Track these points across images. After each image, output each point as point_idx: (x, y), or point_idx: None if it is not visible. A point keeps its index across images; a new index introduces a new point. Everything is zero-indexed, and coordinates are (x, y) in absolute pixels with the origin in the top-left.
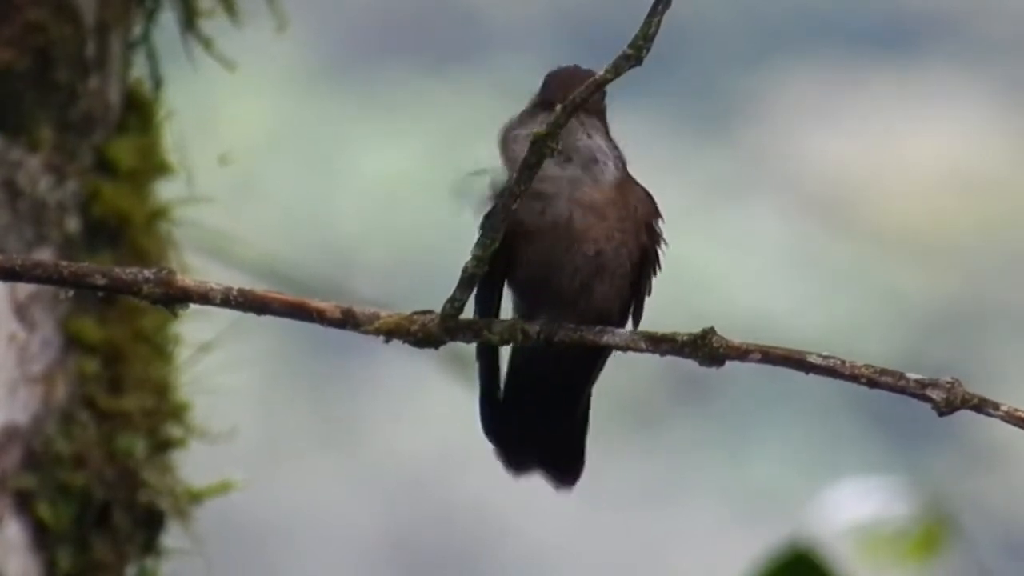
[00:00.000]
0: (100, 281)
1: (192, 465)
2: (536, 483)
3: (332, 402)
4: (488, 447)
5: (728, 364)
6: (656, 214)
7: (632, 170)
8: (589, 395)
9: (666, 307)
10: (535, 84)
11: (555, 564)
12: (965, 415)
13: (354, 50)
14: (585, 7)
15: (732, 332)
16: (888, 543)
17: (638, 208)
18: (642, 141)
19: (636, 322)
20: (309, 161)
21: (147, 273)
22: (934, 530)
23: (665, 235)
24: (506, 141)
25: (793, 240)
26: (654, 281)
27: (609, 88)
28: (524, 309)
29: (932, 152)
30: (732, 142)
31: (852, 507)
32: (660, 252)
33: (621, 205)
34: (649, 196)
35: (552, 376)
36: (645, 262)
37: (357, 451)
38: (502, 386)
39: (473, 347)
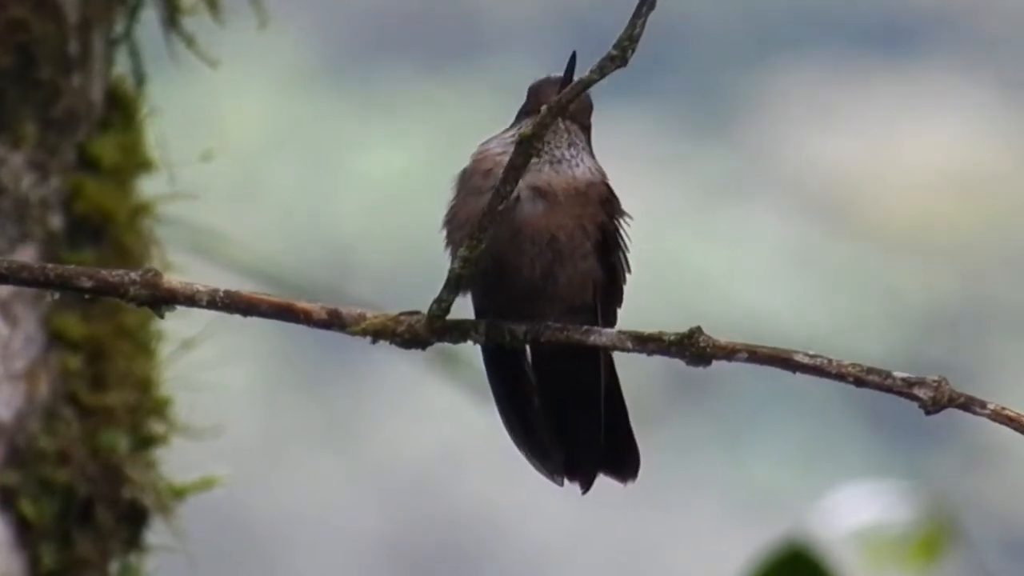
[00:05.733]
0: (86, 283)
1: (194, 463)
2: (536, 483)
3: (332, 401)
4: (493, 450)
5: (727, 363)
6: (610, 193)
7: (632, 169)
8: (616, 386)
9: (665, 306)
10: None
11: (555, 564)
12: (963, 414)
13: (354, 50)
14: (584, 7)
15: (731, 331)
16: (890, 546)
17: (590, 192)
18: (642, 141)
19: (612, 300)
20: (309, 161)
21: (133, 275)
22: (936, 533)
23: (625, 211)
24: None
25: (792, 240)
26: (629, 257)
27: (610, 88)
28: (489, 308)
29: (932, 152)
30: (731, 142)
31: (854, 511)
32: (621, 227)
33: (581, 196)
34: (604, 182)
35: (560, 376)
36: (608, 239)
37: (357, 450)
38: (511, 393)
39: (472, 346)
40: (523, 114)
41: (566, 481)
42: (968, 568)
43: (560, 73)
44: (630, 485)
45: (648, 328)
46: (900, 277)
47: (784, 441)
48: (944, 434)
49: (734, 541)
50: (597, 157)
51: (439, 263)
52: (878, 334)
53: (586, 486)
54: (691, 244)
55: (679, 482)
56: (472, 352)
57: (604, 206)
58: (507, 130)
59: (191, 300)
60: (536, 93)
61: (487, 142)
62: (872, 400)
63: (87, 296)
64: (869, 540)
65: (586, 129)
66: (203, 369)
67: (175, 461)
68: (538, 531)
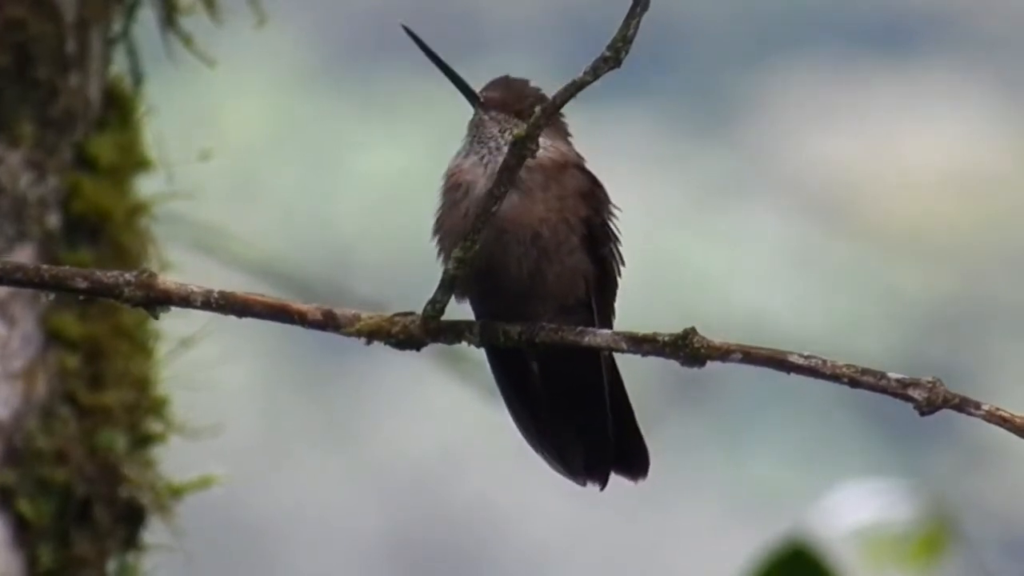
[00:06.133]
0: (81, 284)
1: (193, 462)
2: (535, 482)
3: (333, 400)
4: (493, 449)
5: (725, 363)
6: (594, 184)
7: (632, 169)
8: (620, 384)
9: (664, 306)
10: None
11: (555, 564)
12: (962, 414)
13: (354, 50)
14: (584, 7)
15: (730, 331)
16: (890, 546)
17: (569, 183)
18: (642, 141)
19: (607, 295)
20: (309, 160)
21: (128, 276)
22: (935, 532)
23: (611, 202)
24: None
25: (792, 239)
26: (622, 250)
27: (611, 88)
28: (484, 311)
29: (931, 152)
30: (731, 142)
31: (854, 510)
32: (608, 220)
33: (555, 184)
34: (585, 171)
35: (563, 376)
36: (595, 233)
37: (357, 449)
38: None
39: (471, 345)
40: (473, 125)
41: (582, 480)
42: (967, 567)
43: (552, 72)
44: (641, 482)
45: (647, 328)
46: (900, 277)
47: (784, 441)
48: (944, 434)
49: (734, 541)
50: (596, 156)
51: (438, 262)
52: (878, 334)
53: (603, 484)
54: (691, 244)
55: (679, 482)
56: (479, 352)
57: (586, 199)
58: (468, 141)
59: (186, 301)
60: (488, 99)
61: (455, 157)
62: (872, 400)
63: (82, 297)
64: (869, 539)
65: (522, 114)
66: (202, 368)
67: (174, 460)
68: (538, 530)
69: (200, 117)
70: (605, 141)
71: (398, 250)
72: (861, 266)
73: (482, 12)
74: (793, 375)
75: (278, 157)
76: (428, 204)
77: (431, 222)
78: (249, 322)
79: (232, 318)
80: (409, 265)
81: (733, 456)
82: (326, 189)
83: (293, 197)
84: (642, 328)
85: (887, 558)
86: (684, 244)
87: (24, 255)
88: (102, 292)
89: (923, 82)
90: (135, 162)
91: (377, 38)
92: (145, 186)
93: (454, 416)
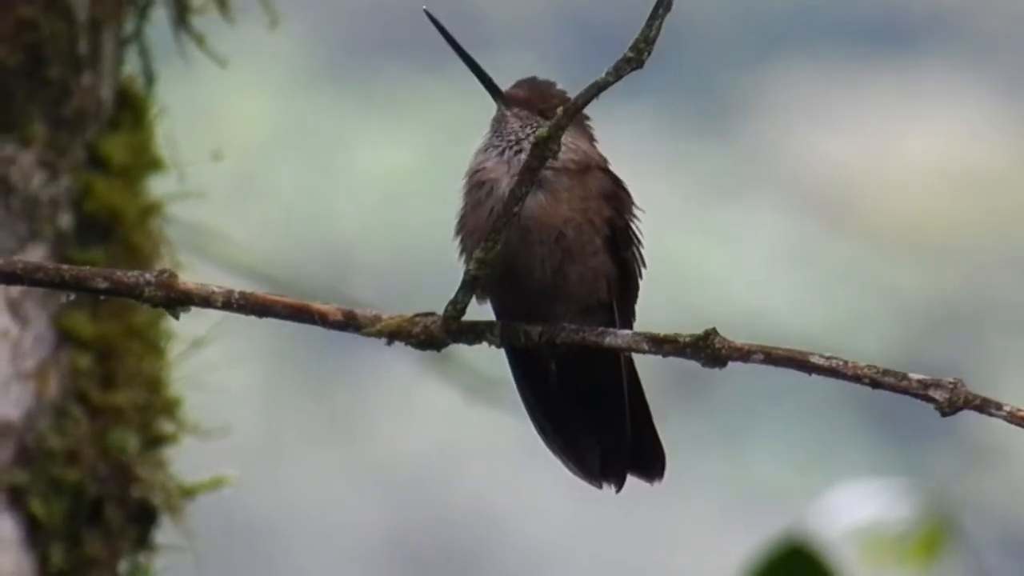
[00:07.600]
0: (102, 284)
1: (194, 462)
2: (534, 482)
3: (334, 400)
4: (492, 448)
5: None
6: (617, 185)
7: (631, 168)
8: (638, 385)
9: (664, 304)
10: None
11: (555, 562)
12: (964, 413)
13: (354, 49)
14: (585, 6)
15: (730, 329)
16: (889, 544)
17: (593, 185)
18: (641, 138)
19: (628, 297)
20: (309, 159)
21: (148, 276)
22: (935, 531)
23: (634, 204)
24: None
25: (791, 238)
26: (642, 252)
27: (610, 86)
28: (505, 311)
29: (931, 151)
30: (731, 140)
31: (853, 508)
32: (631, 221)
33: (578, 185)
34: (608, 172)
35: (582, 377)
36: (618, 235)
37: (358, 449)
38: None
39: (472, 348)
40: (495, 121)
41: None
42: (967, 567)
43: (552, 74)
44: (657, 484)
45: (652, 325)
46: (900, 276)
47: (784, 439)
48: (944, 433)
49: (733, 539)
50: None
51: (439, 262)
52: (877, 333)
53: (619, 486)
54: (691, 242)
55: (679, 480)
56: (467, 353)
57: (610, 200)
58: (489, 138)
59: (206, 301)
60: (512, 96)
61: (477, 154)
62: (873, 399)
63: (102, 297)
64: (868, 538)
65: (546, 114)
66: (207, 369)
67: (176, 461)
68: (537, 529)
69: (200, 117)
70: (605, 140)
71: (398, 250)
72: (861, 265)
73: (483, 11)
74: (798, 375)
75: (279, 157)
76: (429, 203)
77: (429, 218)
78: (251, 324)
79: (236, 320)
80: (409, 265)
81: (734, 455)
82: (326, 188)
83: (293, 196)
84: (647, 325)
85: (887, 558)
86: (684, 242)
87: (36, 255)
88: (123, 292)
89: (923, 82)
90: (147, 162)
91: (378, 38)
92: (151, 186)
93: (454, 416)
